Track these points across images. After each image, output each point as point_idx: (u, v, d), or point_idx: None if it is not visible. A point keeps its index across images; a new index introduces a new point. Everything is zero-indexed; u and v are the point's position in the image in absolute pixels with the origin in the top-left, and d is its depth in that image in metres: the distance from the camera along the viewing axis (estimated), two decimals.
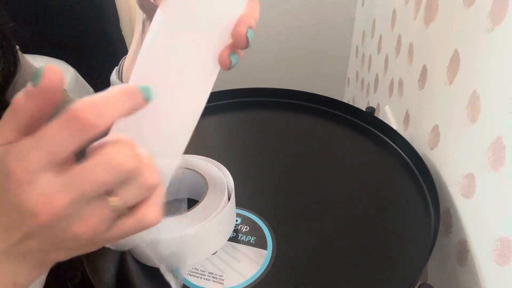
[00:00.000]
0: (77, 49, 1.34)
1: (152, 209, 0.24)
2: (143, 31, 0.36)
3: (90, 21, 1.28)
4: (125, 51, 1.38)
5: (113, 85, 0.42)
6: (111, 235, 0.24)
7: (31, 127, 0.22)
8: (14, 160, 0.21)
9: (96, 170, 0.21)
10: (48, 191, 0.21)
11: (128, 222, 0.24)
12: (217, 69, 0.28)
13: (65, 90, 0.51)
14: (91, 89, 1.31)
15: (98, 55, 1.36)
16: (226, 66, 0.28)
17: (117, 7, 1.30)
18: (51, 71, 0.21)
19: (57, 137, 0.21)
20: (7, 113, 0.22)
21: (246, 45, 0.27)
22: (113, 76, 0.42)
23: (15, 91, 0.44)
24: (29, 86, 0.21)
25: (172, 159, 0.30)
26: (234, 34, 0.27)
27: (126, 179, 0.23)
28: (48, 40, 1.26)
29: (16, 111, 0.22)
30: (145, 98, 0.23)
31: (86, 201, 0.22)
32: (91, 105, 0.20)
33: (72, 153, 0.21)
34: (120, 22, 1.33)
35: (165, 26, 0.27)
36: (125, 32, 1.35)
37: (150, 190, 0.24)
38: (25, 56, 0.44)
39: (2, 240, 0.23)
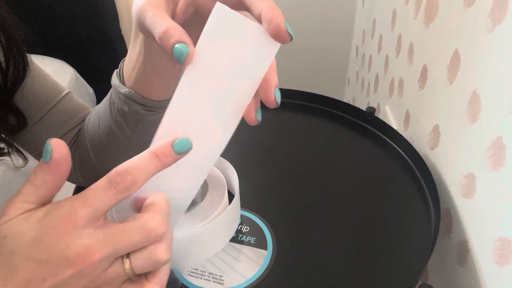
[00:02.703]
0: (77, 49, 1.34)
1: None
2: (146, 40, 0.35)
3: (90, 21, 1.28)
4: (124, 51, 1.38)
5: (115, 89, 0.42)
6: None
7: (48, 199, 0.26)
8: (62, 215, 0.24)
9: (132, 232, 0.25)
10: (89, 244, 0.24)
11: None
12: (238, 118, 0.30)
13: (70, 92, 0.51)
14: (91, 89, 1.31)
15: (98, 55, 1.36)
16: (254, 123, 0.30)
17: (116, 7, 1.30)
18: (57, 144, 0.25)
19: (102, 197, 0.25)
20: (27, 188, 0.25)
21: (277, 106, 0.29)
22: (115, 80, 0.42)
23: (23, 95, 0.44)
24: (42, 161, 0.25)
25: (188, 193, 0.32)
26: (265, 98, 0.28)
27: (146, 245, 0.26)
28: (48, 40, 1.26)
29: (36, 185, 0.25)
30: (179, 153, 0.27)
31: (115, 257, 0.25)
32: (127, 171, 0.25)
33: (110, 208, 0.25)
34: (120, 22, 1.33)
35: (194, 82, 0.28)
36: (124, 32, 1.35)
37: (158, 264, 0.26)
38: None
39: None
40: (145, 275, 0.28)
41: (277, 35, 0.25)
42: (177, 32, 0.26)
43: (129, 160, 0.26)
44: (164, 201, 0.28)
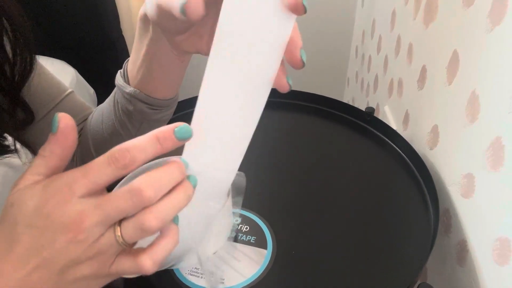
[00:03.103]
0: (78, 49, 1.35)
1: (149, 260, 0.27)
2: (153, 39, 0.36)
3: (90, 21, 1.28)
4: (125, 51, 1.38)
5: (119, 88, 0.42)
6: (112, 270, 0.27)
7: (56, 170, 0.27)
8: (62, 184, 0.25)
9: (120, 195, 0.26)
10: (82, 210, 0.25)
11: (126, 261, 0.27)
12: (269, 89, 0.30)
13: (72, 91, 0.51)
14: (92, 89, 1.31)
15: (98, 55, 1.36)
16: (287, 90, 0.30)
17: (117, 7, 1.30)
18: (64, 116, 0.26)
19: (102, 171, 0.26)
20: (37, 160, 0.27)
21: (302, 66, 0.29)
22: (119, 80, 0.42)
23: (30, 90, 0.44)
24: (51, 134, 0.26)
25: (228, 174, 0.33)
26: (290, 59, 0.29)
27: (138, 209, 0.26)
28: (49, 41, 1.26)
29: (45, 157, 0.26)
30: (179, 138, 0.27)
31: (107, 225, 0.26)
32: (128, 149, 0.26)
33: (109, 183, 0.26)
34: (120, 22, 1.33)
35: (222, 57, 0.28)
36: (125, 32, 1.35)
37: (144, 232, 0.26)
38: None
39: (18, 268, 0.25)
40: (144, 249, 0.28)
41: (293, 8, 0.26)
42: None
43: (131, 140, 0.26)
44: (160, 171, 0.27)
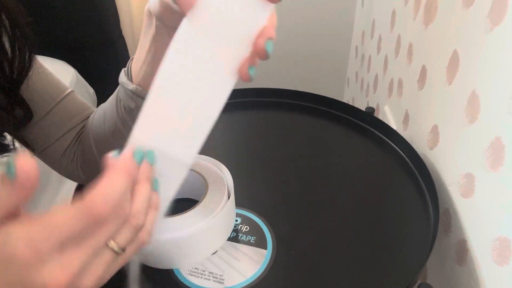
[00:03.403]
0: (78, 49, 1.35)
1: (145, 233, 0.29)
2: (156, 35, 0.36)
3: (90, 21, 1.28)
4: (125, 52, 1.38)
5: (122, 86, 0.43)
6: (105, 279, 0.27)
7: (13, 212, 0.23)
8: (23, 245, 0.22)
9: (109, 222, 0.25)
10: (62, 263, 0.22)
11: (113, 263, 0.27)
12: (234, 79, 0.30)
13: (73, 91, 0.51)
14: (92, 89, 1.31)
15: (99, 55, 1.36)
16: (246, 79, 0.29)
17: (117, 8, 1.31)
18: (23, 161, 0.21)
19: (68, 228, 0.22)
20: None
21: (266, 57, 0.28)
22: (123, 77, 0.43)
23: (29, 89, 0.44)
24: (6, 178, 0.22)
25: (182, 164, 0.32)
26: (255, 46, 0.28)
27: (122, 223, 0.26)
28: (49, 41, 1.26)
29: None
30: (139, 162, 0.28)
31: (97, 253, 0.25)
32: (106, 201, 0.23)
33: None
34: (121, 22, 1.33)
35: (189, 36, 0.28)
36: (125, 32, 1.35)
37: (138, 229, 0.27)
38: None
39: None
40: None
41: None
42: None
43: (102, 186, 0.24)
44: (108, 186, 0.24)
